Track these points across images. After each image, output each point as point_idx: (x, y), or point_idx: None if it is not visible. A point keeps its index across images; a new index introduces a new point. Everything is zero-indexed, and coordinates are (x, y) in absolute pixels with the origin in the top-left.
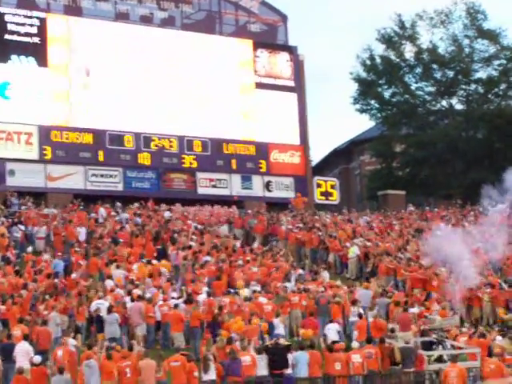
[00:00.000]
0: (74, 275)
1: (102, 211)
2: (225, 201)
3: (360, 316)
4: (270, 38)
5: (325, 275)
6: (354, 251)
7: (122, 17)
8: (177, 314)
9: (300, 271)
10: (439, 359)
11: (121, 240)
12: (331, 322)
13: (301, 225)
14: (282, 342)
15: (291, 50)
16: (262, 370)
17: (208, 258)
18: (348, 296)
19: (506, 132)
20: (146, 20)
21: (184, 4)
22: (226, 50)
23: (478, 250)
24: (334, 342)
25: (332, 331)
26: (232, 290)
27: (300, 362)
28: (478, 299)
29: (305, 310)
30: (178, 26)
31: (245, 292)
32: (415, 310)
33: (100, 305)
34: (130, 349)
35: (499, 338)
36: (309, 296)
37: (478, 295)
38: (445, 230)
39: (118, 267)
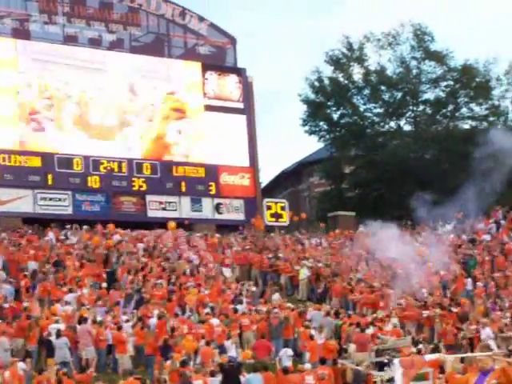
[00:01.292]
0: (24, 300)
1: (51, 235)
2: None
3: (311, 337)
4: (219, 61)
5: (275, 297)
6: (304, 273)
7: (70, 39)
8: (119, 336)
9: (253, 288)
10: (391, 380)
11: (70, 264)
12: (285, 346)
13: (249, 246)
14: (235, 362)
15: (240, 72)
16: None
17: (159, 280)
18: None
19: (455, 153)
20: (95, 43)
21: (132, 26)
22: (175, 72)
23: (427, 269)
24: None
25: (285, 357)
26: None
27: None
28: (429, 318)
29: (256, 333)
30: (127, 49)
31: (196, 314)
32: (370, 330)
33: (52, 329)
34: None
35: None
36: (260, 317)
37: (428, 314)
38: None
39: (68, 291)
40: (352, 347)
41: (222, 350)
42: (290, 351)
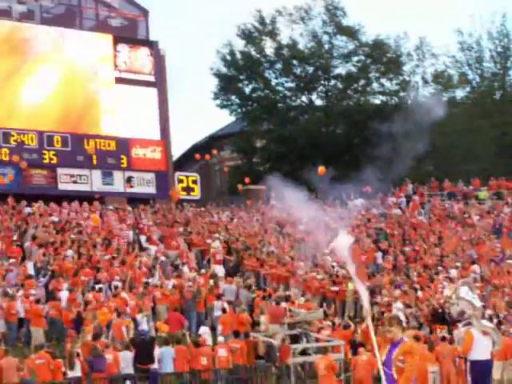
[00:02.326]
0: None
1: None
2: (86, 197)
3: (224, 310)
4: (131, 33)
5: (186, 270)
6: (215, 246)
7: None
8: (36, 309)
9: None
10: (304, 352)
11: None
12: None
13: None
14: (148, 336)
15: (152, 45)
16: (128, 366)
17: (70, 253)
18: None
19: (365, 127)
20: (4, 14)
21: None
22: (86, 44)
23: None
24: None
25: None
26: (96, 286)
27: (166, 357)
28: (339, 293)
29: (170, 305)
30: (38, 20)
31: (109, 287)
32: (284, 303)
33: None
34: None
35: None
36: (173, 291)
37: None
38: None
39: None
40: (264, 320)
41: (135, 323)
42: (207, 329)
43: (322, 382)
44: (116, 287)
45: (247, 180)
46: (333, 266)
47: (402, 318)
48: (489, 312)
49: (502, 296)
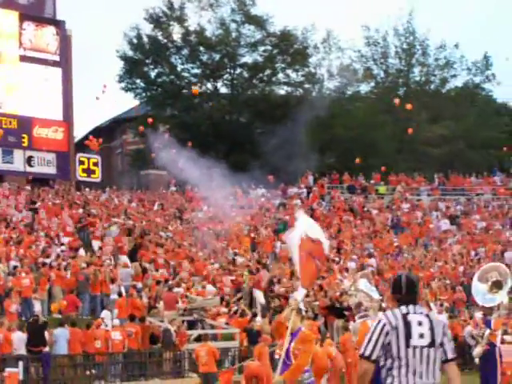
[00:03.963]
0: None
1: None
2: None
3: (119, 294)
4: (38, 11)
5: (82, 253)
6: (113, 230)
7: None
8: None
9: (62, 247)
10: (199, 339)
11: None
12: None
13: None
14: (41, 318)
15: (59, 25)
16: (21, 347)
17: None
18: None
19: (268, 117)
20: None
21: None
22: None
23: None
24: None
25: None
26: None
27: (60, 339)
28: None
29: (65, 287)
30: None
31: (5, 267)
32: (180, 289)
33: None
34: None
35: (258, 318)
36: (69, 273)
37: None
38: None
39: None
40: (161, 305)
41: (29, 303)
42: (109, 313)
43: (203, 369)
44: (15, 267)
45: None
46: (235, 254)
47: (302, 307)
48: (384, 305)
49: None
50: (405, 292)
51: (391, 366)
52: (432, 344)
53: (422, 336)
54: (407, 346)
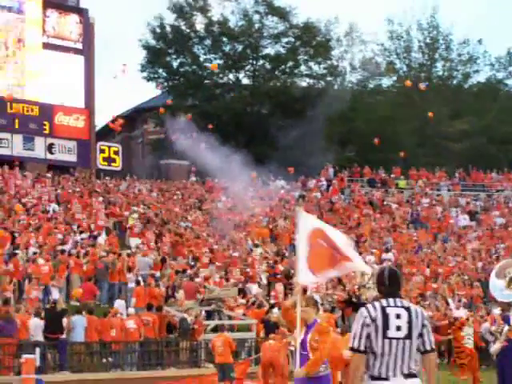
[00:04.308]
0: None
1: None
2: (5, 160)
3: (138, 283)
4: None
5: (101, 241)
6: (133, 218)
7: None
8: None
9: (83, 235)
10: (216, 329)
11: None
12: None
13: (78, 189)
14: (59, 305)
15: (82, 13)
16: (39, 334)
17: None
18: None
19: (290, 109)
20: None
21: None
22: (15, 8)
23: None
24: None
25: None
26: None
27: (77, 326)
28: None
29: (83, 275)
30: None
31: (25, 253)
32: (198, 279)
33: None
34: None
35: (275, 309)
36: (87, 260)
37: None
38: None
39: None
40: (181, 294)
41: (48, 290)
42: (122, 302)
43: (219, 360)
44: (35, 253)
45: None
46: (255, 246)
47: (318, 299)
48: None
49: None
50: (387, 284)
51: (370, 356)
52: (408, 336)
53: (399, 328)
54: (384, 337)
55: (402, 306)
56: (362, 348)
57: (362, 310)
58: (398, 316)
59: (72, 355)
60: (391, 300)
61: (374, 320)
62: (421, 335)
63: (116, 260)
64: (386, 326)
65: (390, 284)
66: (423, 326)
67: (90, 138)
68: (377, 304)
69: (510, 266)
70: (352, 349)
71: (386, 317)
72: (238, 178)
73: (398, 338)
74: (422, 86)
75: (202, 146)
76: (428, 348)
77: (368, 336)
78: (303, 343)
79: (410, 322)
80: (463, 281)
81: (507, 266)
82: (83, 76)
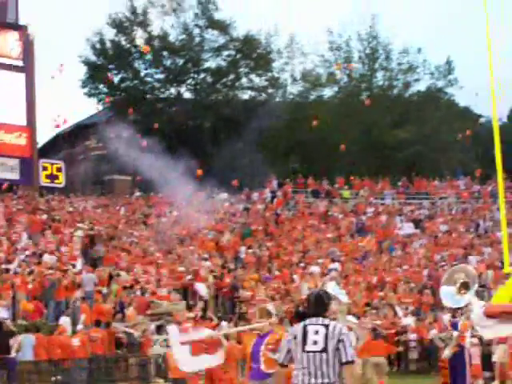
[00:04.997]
0: None
1: None
2: None
3: (84, 300)
4: (0, 16)
5: (46, 259)
6: (78, 235)
7: None
8: None
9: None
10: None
11: None
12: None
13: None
14: (7, 325)
15: (21, 29)
16: None
17: None
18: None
19: (232, 122)
20: None
21: None
22: None
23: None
24: None
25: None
26: None
27: (25, 345)
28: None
29: (29, 293)
30: None
31: None
32: (146, 295)
33: None
34: None
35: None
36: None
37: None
38: None
39: None
40: (131, 310)
41: None
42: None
43: (174, 374)
44: None
45: None
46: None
47: (272, 310)
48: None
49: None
50: (312, 306)
51: (295, 368)
52: (324, 350)
53: (315, 343)
54: (303, 350)
55: (322, 324)
56: (285, 362)
57: (290, 328)
58: (316, 332)
59: (21, 374)
60: (314, 319)
61: (295, 337)
62: (337, 349)
63: (61, 277)
64: (304, 341)
65: (315, 306)
66: (339, 340)
67: (32, 156)
68: (301, 323)
69: (457, 272)
70: (278, 362)
71: (305, 333)
72: (180, 191)
73: (314, 352)
74: (367, 101)
75: (145, 160)
76: (344, 361)
77: (289, 351)
78: (255, 354)
79: (326, 337)
80: (410, 288)
81: (455, 272)
82: (24, 93)
